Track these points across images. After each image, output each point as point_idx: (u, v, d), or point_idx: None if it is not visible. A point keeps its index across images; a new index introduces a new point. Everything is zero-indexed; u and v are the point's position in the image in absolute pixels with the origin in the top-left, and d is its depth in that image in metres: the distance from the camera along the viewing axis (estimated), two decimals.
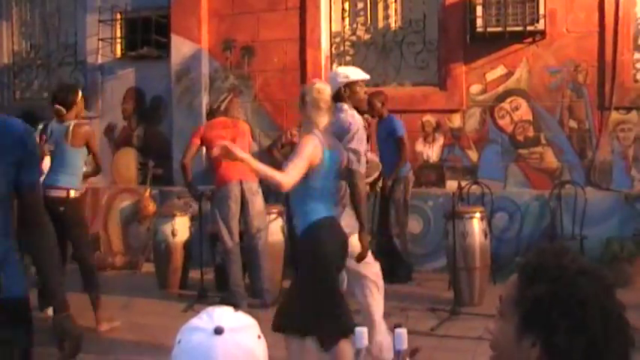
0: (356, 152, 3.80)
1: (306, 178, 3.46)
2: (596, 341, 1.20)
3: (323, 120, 3.58)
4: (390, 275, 5.90)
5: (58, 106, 5.18)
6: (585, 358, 1.21)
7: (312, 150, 3.44)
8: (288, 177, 3.37)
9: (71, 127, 5.12)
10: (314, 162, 3.45)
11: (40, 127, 5.83)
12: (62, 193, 5.04)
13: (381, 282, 4.09)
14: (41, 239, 2.18)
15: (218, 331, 1.26)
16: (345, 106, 3.94)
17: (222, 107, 6.09)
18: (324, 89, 3.61)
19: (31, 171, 2.13)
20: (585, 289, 1.23)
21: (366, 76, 4.07)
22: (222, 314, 1.31)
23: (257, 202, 5.88)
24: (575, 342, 1.20)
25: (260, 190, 5.88)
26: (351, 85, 3.99)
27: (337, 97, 3.95)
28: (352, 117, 3.90)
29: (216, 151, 3.20)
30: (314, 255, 3.48)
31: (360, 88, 4.02)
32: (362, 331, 1.74)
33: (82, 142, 5.16)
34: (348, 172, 3.79)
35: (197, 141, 5.91)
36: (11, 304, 2.06)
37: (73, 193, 5.11)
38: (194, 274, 6.44)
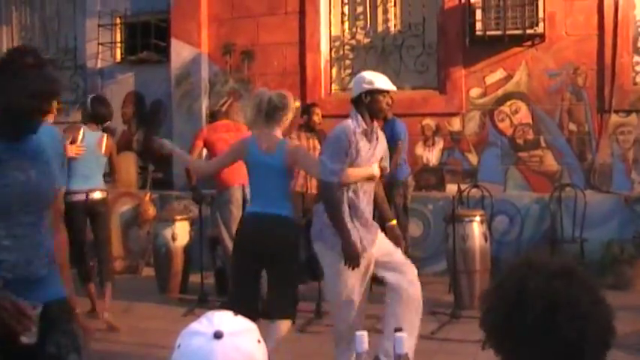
0: (323, 163, 3.75)
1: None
2: (571, 343, 1.23)
3: (258, 124, 3.91)
4: None
5: (109, 123, 5.71)
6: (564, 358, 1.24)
7: (234, 148, 4.07)
8: (206, 166, 4.30)
9: (105, 138, 5.49)
10: (238, 160, 4.02)
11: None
12: (105, 195, 5.53)
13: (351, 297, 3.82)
14: (62, 239, 2.37)
15: (218, 335, 1.26)
16: (349, 121, 3.80)
17: (224, 109, 6.11)
18: (259, 95, 3.94)
19: (60, 174, 2.32)
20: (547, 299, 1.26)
21: (392, 88, 3.87)
22: (222, 318, 1.31)
23: None
24: (548, 347, 1.23)
25: None
26: (373, 92, 3.79)
27: (356, 101, 3.82)
28: (340, 131, 3.77)
29: (157, 145, 4.04)
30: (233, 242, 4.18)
31: (384, 98, 3.81)
32: (362, 334, 1.73)
33: (108, 152, 5.55)
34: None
35: (200, 143, 5.92)
36: (65, 302, 2.25)
37: (108, 195, 5.66)
38: (194, 279, 6.42)
